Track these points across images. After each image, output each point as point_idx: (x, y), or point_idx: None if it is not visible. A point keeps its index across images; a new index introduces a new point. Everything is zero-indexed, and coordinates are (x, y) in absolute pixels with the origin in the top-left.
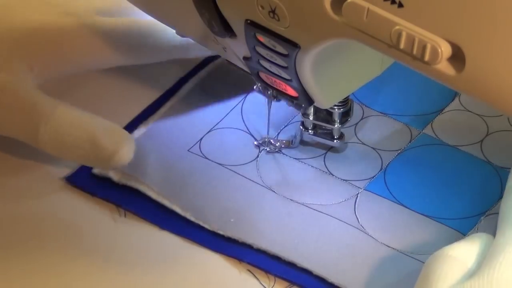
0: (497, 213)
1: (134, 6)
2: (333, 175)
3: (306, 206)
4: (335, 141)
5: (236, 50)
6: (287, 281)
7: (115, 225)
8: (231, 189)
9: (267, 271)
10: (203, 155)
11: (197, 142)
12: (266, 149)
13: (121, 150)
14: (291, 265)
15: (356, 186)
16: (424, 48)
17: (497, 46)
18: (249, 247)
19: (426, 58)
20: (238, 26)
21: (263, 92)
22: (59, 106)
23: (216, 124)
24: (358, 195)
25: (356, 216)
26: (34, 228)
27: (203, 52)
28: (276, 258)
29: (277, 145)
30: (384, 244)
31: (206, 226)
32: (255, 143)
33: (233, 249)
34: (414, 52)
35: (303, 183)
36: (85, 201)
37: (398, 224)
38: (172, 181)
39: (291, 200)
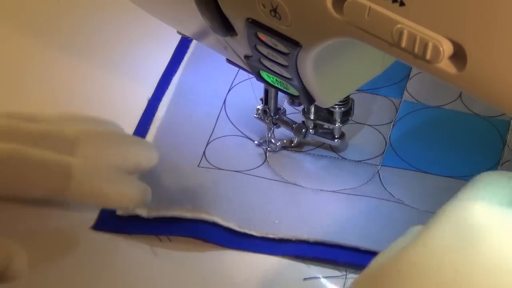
0: (510, 160)
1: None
2: (346, 159)
3: (338, 192)
4: (335, 140)
5: (237, 49)
6: (356, 266)
7: (156, 257)
8: (258, 192)
9: (333, 261)
10: (215, 166)
11: (202, 156)
12: (267, 149)
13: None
14: (354, 249)
15: (372, 165)
16: (425, 46)
17: (499, 45)
18: (305, 242)
19: (428, 56)
20: (239, 24)
21: (263, 119)
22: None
23: (210, 136)
24: (379, 172)
25: (389, 192)
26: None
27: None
28: (336, 247)
29: (277, 144)
30: (428, 212)
31: (253, 233)
32: (256, 142)
33: (290, 248)
34: (416, 50)
35: (322, 172)
36: (120, 241)
37: (429, 190)
38: (200, 199)
39: (321, 190)
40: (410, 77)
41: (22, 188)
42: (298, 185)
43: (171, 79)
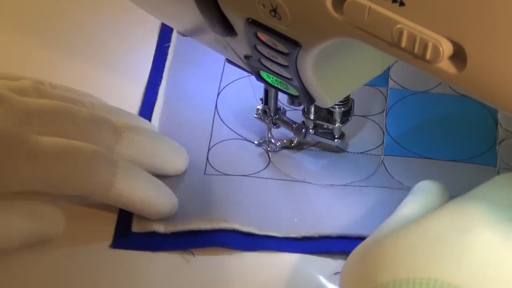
0: (506, 139)
1: None
2: (348, 152)
3: (349, 185)
4: (336, 140)
5: (237, 49)
6: None
7: (189, 264)
8: (270, 194)
9: None
10: (222, 172)
11: (206, 163)
12: (267, 149)
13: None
14: None
15: (375, 155)
16: (425, 46)
17: (499, 45)
18: (329, 237)
19: (428, 56)
20: (239, 24)
21: (262, 119)
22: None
23: (209, 143)
24: (384, 162)
25: (398, 180)
26: None
27: None
28: (361, 239)
29: (277, 144)
30: None
31: (275, 234)
32: (256, 142)
33: (314, 245)
34: (416, 50)
35: (328, 167)
36: (140, 258)
37: (435, 176)
38: (214, 208)
39: (331, 185)
40: (391, 64)
41: (69, 186)
42: (308, 182)
43: (157, 89)
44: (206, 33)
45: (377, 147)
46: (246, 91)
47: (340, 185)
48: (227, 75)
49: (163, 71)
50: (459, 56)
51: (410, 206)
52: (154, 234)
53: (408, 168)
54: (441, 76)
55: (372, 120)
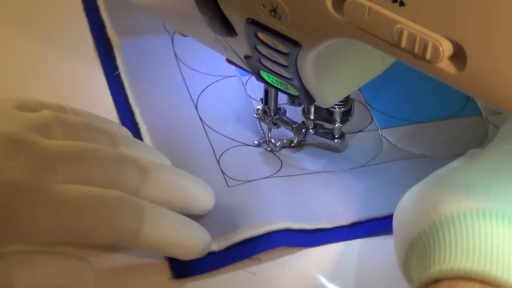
0: None
1: None
2: (349, 133)
3: (367, 166)
4: (335, 140)
5: (237, 49)
6: None
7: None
8: (302, 189)
9: None
10: (244, 180)
11: (224, 177)
12: (267, 149)
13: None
14: None
15: (373, 131)
16: (425, 46)
17: (499, 45)
18: (377, 219)
19: (428, 56)
20: (239, 24)
21: (263, 119)
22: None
23: (215, 157)
24: (383, 135)
25: (407, 150)
26: None
27: None
28: None
29: (277, 144)
30: (455, 155)
31: (325, 226)
32: (256, 142)
33: (367, 228)
34: (416, 50)
35: (339, 154)
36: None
37: (438, 137)
38: (256, 215)
39: (352, 168)
40: None
41: (94, 235)
42: (330, 171)
43: (134, 120)
44: (206, 33)
45: (369, 123)
46: (221, 95)
47: (360, 167)
48: (193, 88)
49: (127, 101)
50: (459, 56)
51: (460, 160)
52: (209, 254)
53: (408, 135)
54: (441, 76)
55: (352, 98)
